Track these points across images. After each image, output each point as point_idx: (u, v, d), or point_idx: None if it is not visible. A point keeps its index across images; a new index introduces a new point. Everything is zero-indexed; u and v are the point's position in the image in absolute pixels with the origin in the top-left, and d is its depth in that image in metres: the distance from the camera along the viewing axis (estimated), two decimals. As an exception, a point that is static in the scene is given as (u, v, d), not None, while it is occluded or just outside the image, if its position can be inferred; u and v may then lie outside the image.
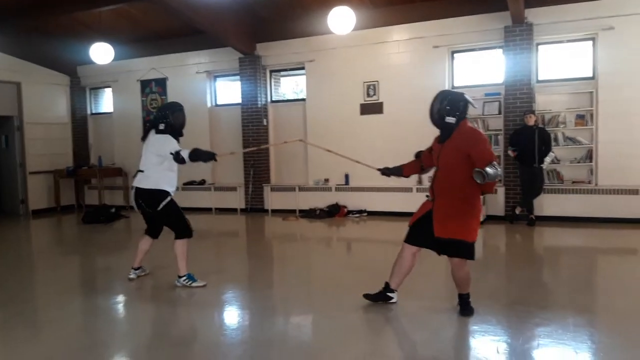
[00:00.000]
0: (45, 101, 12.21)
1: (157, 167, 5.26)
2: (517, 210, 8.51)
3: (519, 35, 8.70)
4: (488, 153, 3.94)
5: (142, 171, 5.35)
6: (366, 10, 9.37)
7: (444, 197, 4.11)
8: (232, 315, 4.73)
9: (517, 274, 5.81)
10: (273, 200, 10.78)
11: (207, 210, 11.19)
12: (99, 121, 13.05)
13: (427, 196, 4.35)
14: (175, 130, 5.33)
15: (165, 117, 5.29)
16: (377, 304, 4.51)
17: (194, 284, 5.38)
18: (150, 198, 5.31)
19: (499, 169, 3.91)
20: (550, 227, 8.26)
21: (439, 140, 4.25)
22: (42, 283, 5.95)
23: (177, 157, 5.10)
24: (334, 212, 9.83)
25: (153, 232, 5.69)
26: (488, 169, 3.82)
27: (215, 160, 5.29)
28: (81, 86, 12.90)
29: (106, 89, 12.96)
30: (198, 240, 8.62)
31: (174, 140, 5.25)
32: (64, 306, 4.93)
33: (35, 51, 11.67)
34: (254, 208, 10.90)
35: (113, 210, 10.63)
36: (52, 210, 11.95)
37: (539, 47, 8.87)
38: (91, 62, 10.67)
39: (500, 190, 8.88)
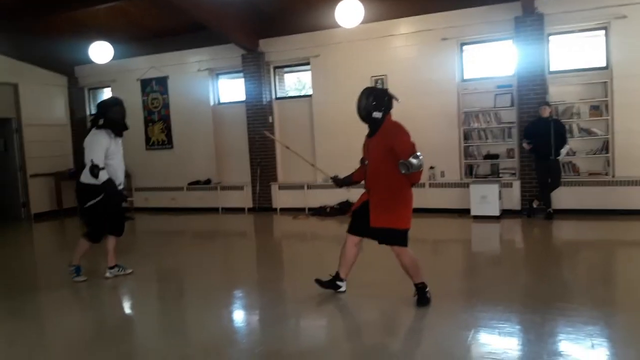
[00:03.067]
0: (43, 102, 11.93)
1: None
2: (535, 204, 8.38)
3: (530, 25, 8.53)
4: (409, 145, 4.13)
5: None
6: (372, 3, 9.15)
7: (376, 188, 4.33)
8: (240, 320, 4.58)
9: (538, 269, 5.69)
10: (281, 198, 10.60)
11: (214, 210, 11.01)
12: (98, 122, 12.77)
13: (365, 188, 4.50)
14: (117, 125, 5.46)
15: (103, 113, 5.38)
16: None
17: (76, 278, 5.66)
18: (82, 193, 5.47)
19: (421, 160, 4.08)
20: (568, 220, 8.12)
21: (368, 135, 4.44)
22: (56, 289, 5.74)
23: (92, 170, 5.25)
24: (345, 209, 9.65)
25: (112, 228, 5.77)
26: (411, 160, 4.01)
27: (124, 201, 5.73)
28: (79, 87, 12.64)
29: (105, 89, 12.69)
30: (207, 241, 8.54)
31: (104, 144, 5.33)
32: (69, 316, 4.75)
33: (31, 51, 11.39)
34: (262, 207, 10.71)
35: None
36: (55, 213, 11.70)
37: (550, 37, 8.72)
38: (89, 62, 10.45)
39: (516, 184, 8.74)
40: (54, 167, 11.85)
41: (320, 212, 9.85)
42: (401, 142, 4.14)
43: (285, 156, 10.72)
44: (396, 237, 4.28)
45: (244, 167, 10.89)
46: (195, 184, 11.29)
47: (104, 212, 5.48)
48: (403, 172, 4.05)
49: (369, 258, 4.90)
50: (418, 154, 4.07)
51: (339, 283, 4.73)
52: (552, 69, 8.74)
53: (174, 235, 9.29)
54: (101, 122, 5.39)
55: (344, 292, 4.73)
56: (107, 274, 5.81)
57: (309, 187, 10.33)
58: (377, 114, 4.24)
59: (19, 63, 11.29)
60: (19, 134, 11.42)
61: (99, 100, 12.39)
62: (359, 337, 4.02)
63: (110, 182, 5.34)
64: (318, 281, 4.77)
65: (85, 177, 5.38)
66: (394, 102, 4.36)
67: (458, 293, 4.90)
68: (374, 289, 4.96)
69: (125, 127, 5.60)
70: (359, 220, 4.47)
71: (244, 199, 10.86)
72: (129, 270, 5.93)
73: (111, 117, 5.42)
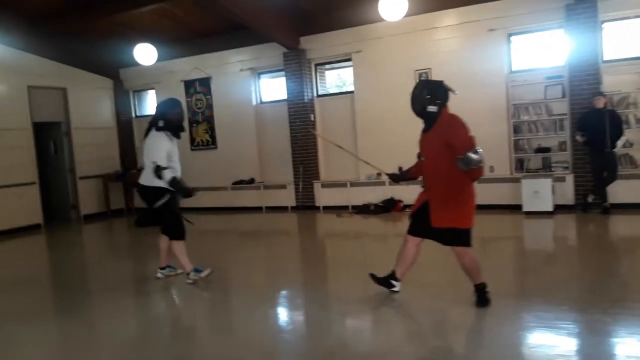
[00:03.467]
0: (90, 106, 12.23)
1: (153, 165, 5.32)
2: (590, 198, 8.05)
3: (581, 13, 8.19)
4: (467, 139, 3.91)
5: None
6: (415, -4, 8.98)
7: (434, 186, 4.14)
8: (293, 322, 4.52)
9: (598, 266, 5.42)
10: (324, 196, 10.54)
11: (258, 209, 11.04)
12: (143, 124, 12.87)
13: (422, 186, 4.34)
14: (175, 126, 5.44)
15: (162, 115, 5.40)
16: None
17: (202, 274, 5.58)
18: (147, 195, 5.42)
19: (481, 154, 3.85)
20: (626, 215, 7.77)
21: (424, 130, 4.24)
22: (107, 290, 5.82)
23: (156, 171, 5.17)
24: (390, 207, 9.51)
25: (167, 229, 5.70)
26: (470, 155, 3.81)
27: (192, 196, 5.40)
28: (124, 89, 12.89)
29: (149, 91, 12.90)
30: (253, 240, 8.55)
31: (165, 146, 5.31)
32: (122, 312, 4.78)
33: (78, 56, 11.69)
34: (305, 205, 10.67)
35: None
36: (103, 214, 11.96)
37: (604, 25, 8.34)
38: (133, 65, 10.62)
39: (569, 178, 8.41)
40: (102, 170, 12.14)
41: (364, 210, 9.73)
42: (458, 136, 3.93)
43: (328, 154, 10.65)
44: (458, 237, 4.07)
45: (287, 165, 10.87)
46: (239, 184, 11.35)
47: (174, 208, 5.47)
48: (462, 168, 3.86)
49: (424, 258, 4.74)
50: (477, 148, 3.85)
51: (393, 282, 4.57)
52: (605, 57, 8.37)
53: (220, 234, 9.35)
54: (161, 123, 5.36)
55: (398, 292, 4.58)
56: (158, 275, 5.84)
57: (352, 184, 10.22)
58: (432, 108, 4.04)
59: (67, 67, 11.59)
60: (68, 137, 11.72)
61: (147, 101, 12.89)
62: (419, 339, 3.89)
63: (175, 180, 5.27)
64: (372, 276, 4.65)
65: (147, 180, 5.34)
66: (450, 95, 4.16)
67: (517, 292, 4.72)
68: (430, 289, 4.83)
69: (183, 129, 5.58)
70: (420, 221, 4.28)
71: (287, 197, 10.84)
72: (180, 271, 5.95)
73: (171, 119, 5.39)
